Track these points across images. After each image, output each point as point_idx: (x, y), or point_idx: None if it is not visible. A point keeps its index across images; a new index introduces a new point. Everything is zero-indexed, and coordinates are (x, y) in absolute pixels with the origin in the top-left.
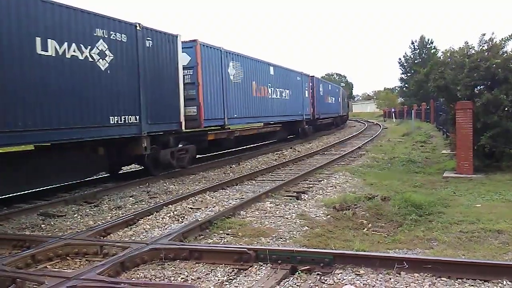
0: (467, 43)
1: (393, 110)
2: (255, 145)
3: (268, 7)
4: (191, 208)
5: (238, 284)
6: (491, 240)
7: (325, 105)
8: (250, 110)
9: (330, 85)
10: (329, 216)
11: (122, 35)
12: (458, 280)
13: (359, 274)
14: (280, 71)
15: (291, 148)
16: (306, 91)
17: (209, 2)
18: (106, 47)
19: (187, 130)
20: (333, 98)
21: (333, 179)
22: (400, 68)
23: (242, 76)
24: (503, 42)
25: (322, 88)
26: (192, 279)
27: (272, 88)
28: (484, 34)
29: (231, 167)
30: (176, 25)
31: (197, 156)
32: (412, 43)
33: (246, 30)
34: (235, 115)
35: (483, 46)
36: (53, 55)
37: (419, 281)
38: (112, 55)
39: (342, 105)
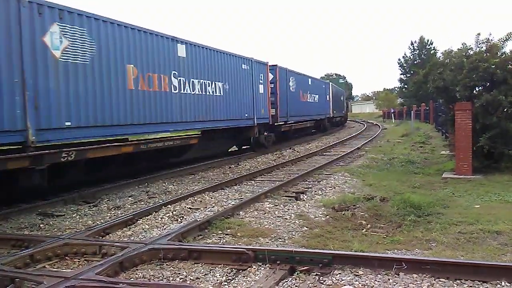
0: (464, 44)
1: (392, 110)
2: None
3: (267, 7)
4: (190, 208)
5: (237, 284)
6: (489, 241)
7: (300, 104)
8: (119, 114)
9: (310, 79)
10: (328, 217)
11: None
12: (457, 281)
13: (357, 275)
14: (203, 53)
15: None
16: (261, 86)
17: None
18: None
19: None
20: (316, 96)
21: (332, 179)
22: (400, 69)
23: (95, 53)
24: (501, 43)
25: (293, 82)
26: (190, 279)
27: (183, 79)
28: (479, 34)
29: (230, 167)
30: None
31: None
32: (412, 43)
33: (244, 30)
34: (68, 123)
35: (482, 47)
36: None
37: (418, 282)
38: None
39: (332, 105)
